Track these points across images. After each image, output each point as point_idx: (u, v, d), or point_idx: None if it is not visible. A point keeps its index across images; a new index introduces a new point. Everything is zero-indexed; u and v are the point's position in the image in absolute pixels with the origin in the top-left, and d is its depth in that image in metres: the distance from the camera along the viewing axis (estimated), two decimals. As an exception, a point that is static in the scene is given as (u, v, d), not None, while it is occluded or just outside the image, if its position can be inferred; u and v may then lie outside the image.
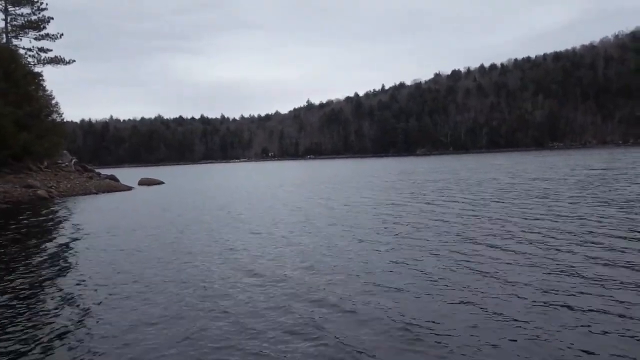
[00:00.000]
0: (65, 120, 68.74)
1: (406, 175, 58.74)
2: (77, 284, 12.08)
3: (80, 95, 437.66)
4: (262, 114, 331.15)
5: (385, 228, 19.07)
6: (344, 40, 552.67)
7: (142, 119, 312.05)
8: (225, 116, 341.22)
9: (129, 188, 53.29)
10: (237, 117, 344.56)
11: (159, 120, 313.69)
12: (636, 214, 19.42)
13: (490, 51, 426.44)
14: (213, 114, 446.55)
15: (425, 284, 10.74)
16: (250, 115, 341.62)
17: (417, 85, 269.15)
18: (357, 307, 9.23)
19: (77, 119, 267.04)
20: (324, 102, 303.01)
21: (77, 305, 10.12)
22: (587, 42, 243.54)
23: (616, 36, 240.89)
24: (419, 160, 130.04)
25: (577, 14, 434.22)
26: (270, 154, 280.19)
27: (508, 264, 12.24)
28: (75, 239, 19.61)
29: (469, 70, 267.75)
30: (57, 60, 67.89)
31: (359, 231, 18.40)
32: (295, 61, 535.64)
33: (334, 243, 16.29)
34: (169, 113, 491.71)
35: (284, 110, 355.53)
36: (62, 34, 67.12)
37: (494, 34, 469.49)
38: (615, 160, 69.73)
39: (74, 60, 70.53)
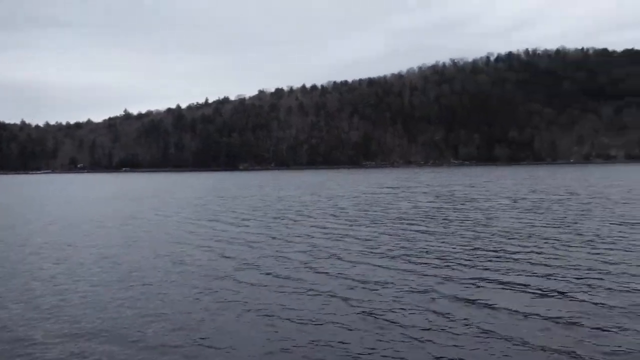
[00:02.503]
0: None
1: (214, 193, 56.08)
2: None
3: None
4: (72, 122, 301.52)
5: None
6: (167, 50, 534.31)
7: None
8: (27, 122, 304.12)
9: None
10: (41, 124, 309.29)
11: None
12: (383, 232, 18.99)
13: (311, 72, 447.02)
14: (11, 118, 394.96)
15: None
16: (57, 122, 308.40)
17: (241, 101, 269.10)
18: None
19: None
20: (143, 112, 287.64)
21: None
22: (396, 71, 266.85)
23: (420, 68, 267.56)
24: (235, 176, 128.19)
25: (390, 43, 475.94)
26: (79, 166, 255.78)
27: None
28: None
29: (291, 89, 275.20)
30: None
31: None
32: (113, 66, 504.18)
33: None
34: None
35: (98, 118, 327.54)
36: None
37: (317, 56, 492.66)
38: (404, 180, 74.98)
39: None
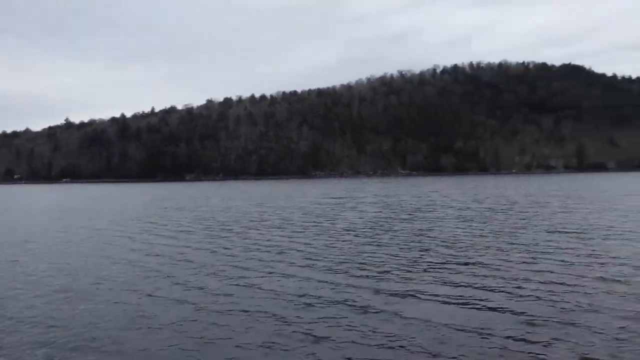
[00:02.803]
0: None
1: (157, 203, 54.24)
2: None
3: None
4: (8, 131, 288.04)
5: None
6: (113, 58, 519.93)
7: None
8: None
9: None
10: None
11: None
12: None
13: (260, 82, 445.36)
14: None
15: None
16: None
17: (189, 110, 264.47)
18: None
19: None
20: (86, 121, 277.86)
21: None
22: (345, 82, 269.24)
23: (368, 79, 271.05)
24: (181, 187, 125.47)
25: (339, 54, 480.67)
26: (16, 176, 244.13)
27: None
28: None
29: (240, 99, 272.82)
30: None
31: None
32: (54, 74, 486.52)
33: None
34: None
35: (37, 127, 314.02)
36: None
37: (267, 65, 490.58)
38: (352, 190, 75.08)
39: None
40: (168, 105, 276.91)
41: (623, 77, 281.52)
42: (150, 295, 11.88)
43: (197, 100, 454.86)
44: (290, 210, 37.35)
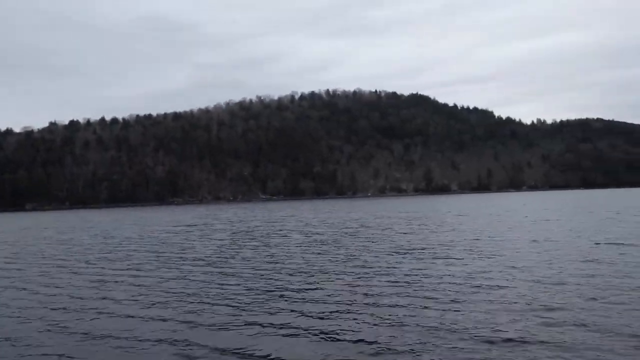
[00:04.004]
0: None
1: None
2: None
3: None
4: None
5: None
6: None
7: None
8: None
9: None
10: None
11: None
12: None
13: (110, 104, 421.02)
14: None
15: None
16: None
17: (29, 133, 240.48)
18: None
19: None
20: None
21: None
22: (203, 106, 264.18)
23: (227, 104, 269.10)
24: (19, 218, 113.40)
25: (193, 77, 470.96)
26: None
27: None
28: None
29: (88, 122, 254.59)
30: None
31: None
32: None
33: None
34: None
35: None
36: None
37: (114, 87, 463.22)
38: (205, 217, 72.91)
39: None
40: (3, 128, 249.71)
41: (462, 107, 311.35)
42: None
43: (38, 122, 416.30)
44: (130, 241, 34.12)
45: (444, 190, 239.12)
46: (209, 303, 13.00)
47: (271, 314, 11.59)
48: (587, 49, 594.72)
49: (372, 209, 76.68)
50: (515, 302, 11.66)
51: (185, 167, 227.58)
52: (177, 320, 11.27)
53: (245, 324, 10.73)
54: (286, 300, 12.91)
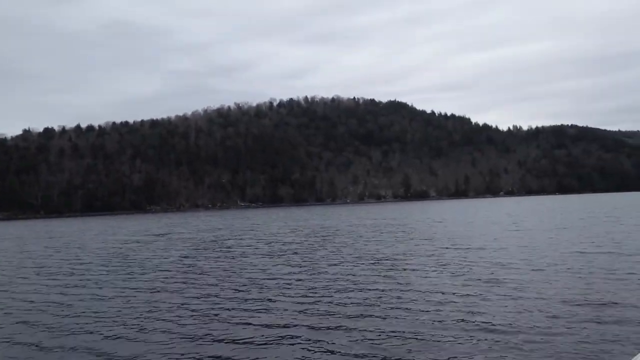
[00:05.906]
0: None
1: None
2: None
3: None
4: None
5: None
6: None
7: None
8: None
9: None
10: None
11: None
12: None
13: (86, 111, 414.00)
14: None
15: None
16: None
17: (1, 141, 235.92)
18: None
19: None
20: None
21: None
22: (180, 113, 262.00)
23: (205, 110, 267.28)
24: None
25: (168, 83, 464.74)
26: None
27: None
28: None
29: (64, 130, 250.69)
30: None
31: None
32: None
33: None
34: None
35: None
36: None
37: (91, 95, 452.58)
38: (176, 225, 72.11)
39: None
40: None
41: (440, 114, 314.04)
42: None
43: (11, 130, 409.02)
44: (89, 252, 33.30)
45: (422, 196, 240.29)
46: (176, 316, 12.58)
47: (235, 324, 11.23)
48: (562, 56, 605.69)
49: (351, 215, 76.61)
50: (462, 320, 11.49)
51: (163, 175, 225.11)
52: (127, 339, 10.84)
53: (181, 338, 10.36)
54: (248, 312, 12.56)
